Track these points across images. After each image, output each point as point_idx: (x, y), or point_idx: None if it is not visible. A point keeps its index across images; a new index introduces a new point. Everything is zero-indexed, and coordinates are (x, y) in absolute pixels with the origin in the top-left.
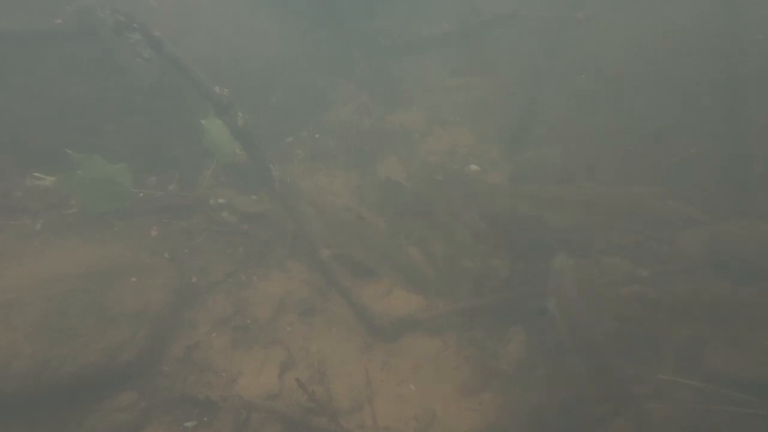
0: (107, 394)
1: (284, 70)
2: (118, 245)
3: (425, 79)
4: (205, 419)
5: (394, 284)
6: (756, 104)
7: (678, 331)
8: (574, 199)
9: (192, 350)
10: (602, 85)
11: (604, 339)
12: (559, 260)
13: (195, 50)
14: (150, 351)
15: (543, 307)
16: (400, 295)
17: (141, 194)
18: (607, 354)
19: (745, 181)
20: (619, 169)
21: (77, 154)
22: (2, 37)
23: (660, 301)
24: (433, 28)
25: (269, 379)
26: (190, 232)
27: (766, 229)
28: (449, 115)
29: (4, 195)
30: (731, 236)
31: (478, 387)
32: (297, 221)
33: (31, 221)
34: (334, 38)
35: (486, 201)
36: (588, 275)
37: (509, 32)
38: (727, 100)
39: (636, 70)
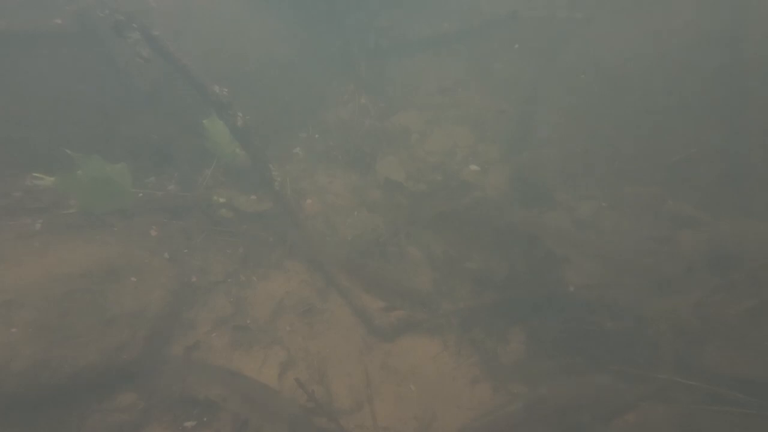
0: (107, 395)
1: (284, 70)
2: (117, 245)
3: (425, 80)
4: (205, 419)
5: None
6: (755, 104)
7: (678, 332)
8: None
9: (192, 350)
10: (602, 86)
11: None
12: None
13: (195, 50)
14: (150, 351)
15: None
16: None
17: (141, 194)
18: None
19: (745, 181)
20: (619, 170)
21: (77, 155)
22: (2, 37)
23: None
24: (433, 29)
25: (269, 378)
26: (189, 232)
27: (765, 229)
28: (449, 116)
29: (4, 195)
30: (731, 236)
31: (477, 387)
32: (297, 221)
33: (31, 221)
34: (334, 39)
35: (488, 213)
36: None
37: (509, 32)
38: (726, 100)
39: (635, 71)
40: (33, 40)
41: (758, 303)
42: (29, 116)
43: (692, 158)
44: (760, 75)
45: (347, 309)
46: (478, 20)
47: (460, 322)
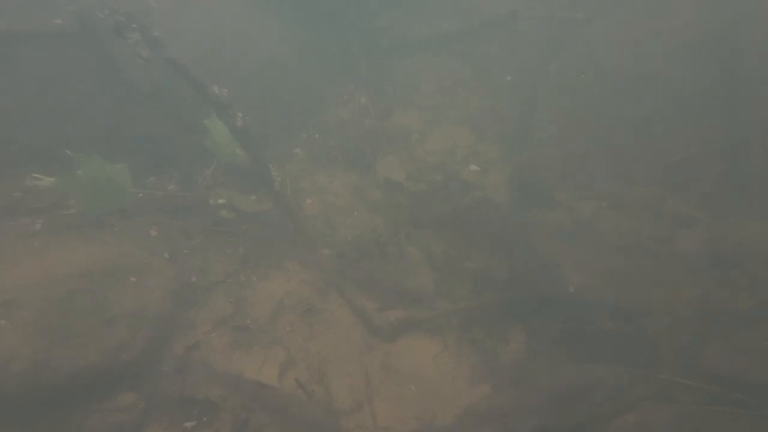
0: (107, 395)
1: (284, 70)
2: (117, 245)
3: (425, 80)
4: (205, 419)
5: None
6: (756, 104)
7: (678, 332)
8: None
9: (192, 350)
10: (602, 86)
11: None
12: None
13: (194, 50)
14: (149, 351)
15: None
16: None
17: (141, 194)
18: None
19: (745, 181)
20: (619, 170)
21: (76, 155)
22: (2, 37)
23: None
24: (433, 29)
25: (269, 378)
26: (189, 232)
27: (766, 229)
28: (449, 116)
29: (4, 195)
30: (731, 236)
31: (478, 387)
32: (296, 221)
33: (31, 221)
34: (334, 38)
35: (488, 213)
36: None
37: (509, 32)
38: (727, 100)
39: (636, 71)
40: (33, 40)
41: (758, 303)
42: (29, 116)
43: (692, 158)
44: (760, 75)
45: (347, 309)
46: (478, 20)
47: (460, 322)
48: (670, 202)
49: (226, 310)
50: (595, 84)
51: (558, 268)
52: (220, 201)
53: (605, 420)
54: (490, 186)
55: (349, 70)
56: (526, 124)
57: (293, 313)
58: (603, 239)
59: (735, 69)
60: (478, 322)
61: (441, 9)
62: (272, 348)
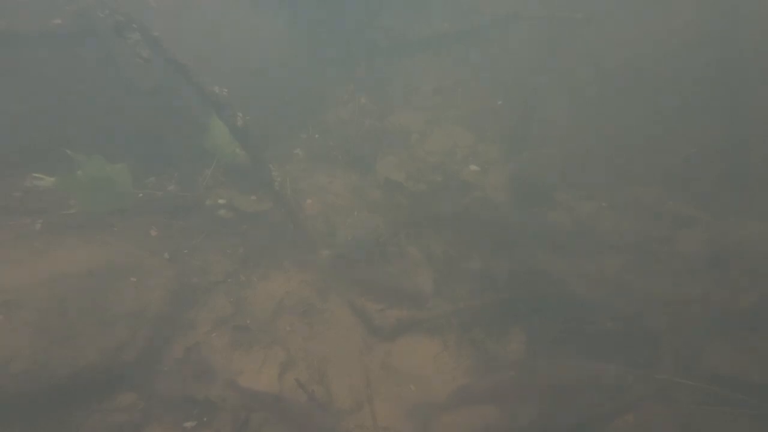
0: (107, 395)
1: (284, 70)
2: (117, 245)
3: (425, 80)
4: (205, 419)
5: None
6: (756, 104)
7: (678, 332)
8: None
9: (192, 350)
10: (602, 86)
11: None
12: None
13: (195, 50)
14: (149, 351)
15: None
16: None
17: (141, 194)
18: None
19: (745, 181)
20: (619, 170)
21: (77, 155)
22: (2, 37)
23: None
24: (433, 29)
25: (269, 378)
26: (189, 233)
27: (765, 229)
28: (449, 116)
29: (4, 195)
30: (731, 236)
31: (477, 387)
32: (296, 221)
33: (31, 221)
34: (334, 39)
35: (488, 213)
36: None
37: (509, 32)
38: (727, 100)
39: (635, 71)
40: (33, 40)
41: (758, 303)
42: (29, 116)
43: (692, 158)
44: (760, 75)
45: (347, 309)
46: (478, 20)
47: (460, 322)
48: (670, 202)
49: (226, 310)
50: (594, 84)
51: (558, 269)
52: (220, 201)
53: (605, 420)
54: (490, 186)
55: (349, 70)
56: (526, 124)
57: (293, 313)
58: (603, 239)
59: (735, 69)
60: (478, 322)
61: (441, 9)
62: (272, 348)
